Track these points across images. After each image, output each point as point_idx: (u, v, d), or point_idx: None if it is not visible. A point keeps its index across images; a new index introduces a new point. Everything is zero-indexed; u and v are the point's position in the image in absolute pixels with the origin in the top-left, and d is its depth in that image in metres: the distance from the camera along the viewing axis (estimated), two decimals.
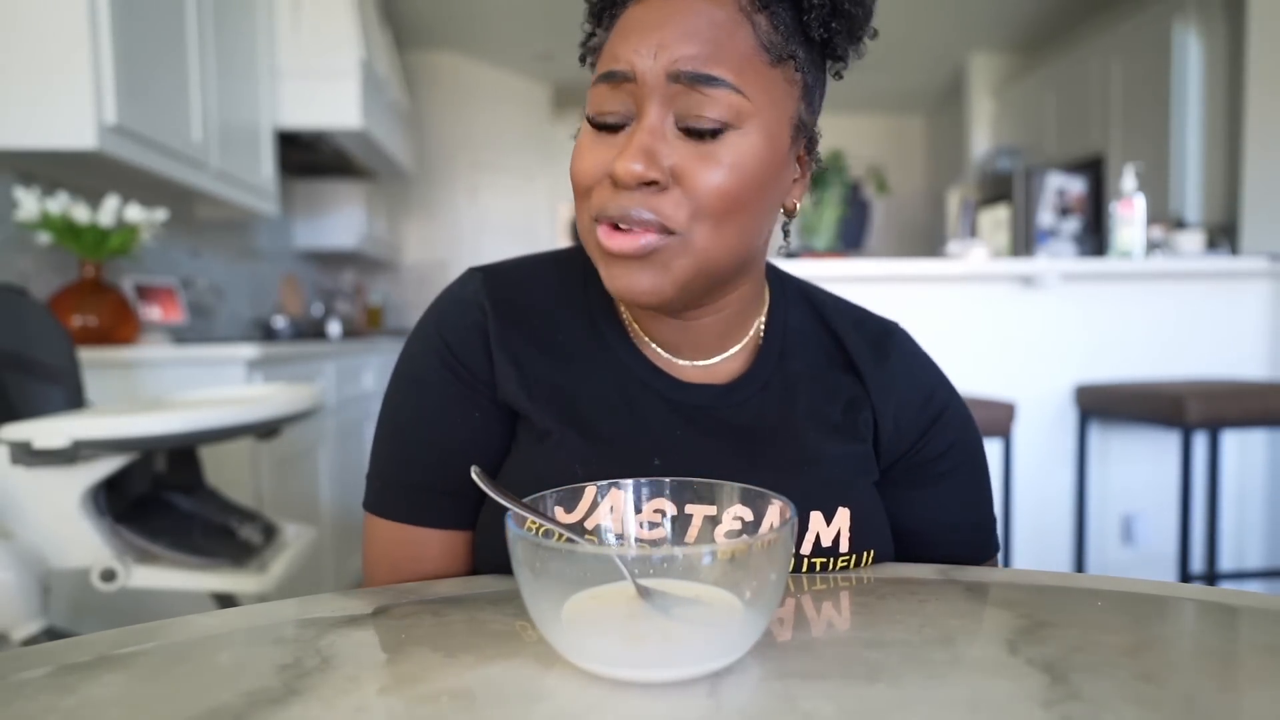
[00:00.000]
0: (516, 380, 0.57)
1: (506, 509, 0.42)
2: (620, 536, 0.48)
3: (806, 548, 0.54)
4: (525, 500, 0.44)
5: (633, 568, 0.38)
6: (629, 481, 0.49)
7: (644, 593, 0.38)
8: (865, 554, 0.56)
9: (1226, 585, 2.11)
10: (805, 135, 0.55)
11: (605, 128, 0.51)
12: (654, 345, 0.60)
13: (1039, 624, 0.42)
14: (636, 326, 0.60)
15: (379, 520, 0.59)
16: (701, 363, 0.60)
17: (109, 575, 1.13)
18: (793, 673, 0.37)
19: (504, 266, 0.63)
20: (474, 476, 0.46)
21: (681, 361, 0.60)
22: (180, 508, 1.34)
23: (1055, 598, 0.48)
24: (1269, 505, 2.26)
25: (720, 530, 0.48)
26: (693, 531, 0.48)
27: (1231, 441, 2.23)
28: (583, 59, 0.58)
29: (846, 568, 0.56)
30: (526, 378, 0.58)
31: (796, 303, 0.64)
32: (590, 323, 0.60)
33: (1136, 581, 0.50)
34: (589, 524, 0.49)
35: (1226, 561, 2.24)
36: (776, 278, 0.65)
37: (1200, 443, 2.18)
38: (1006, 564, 1.91)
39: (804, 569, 0.54)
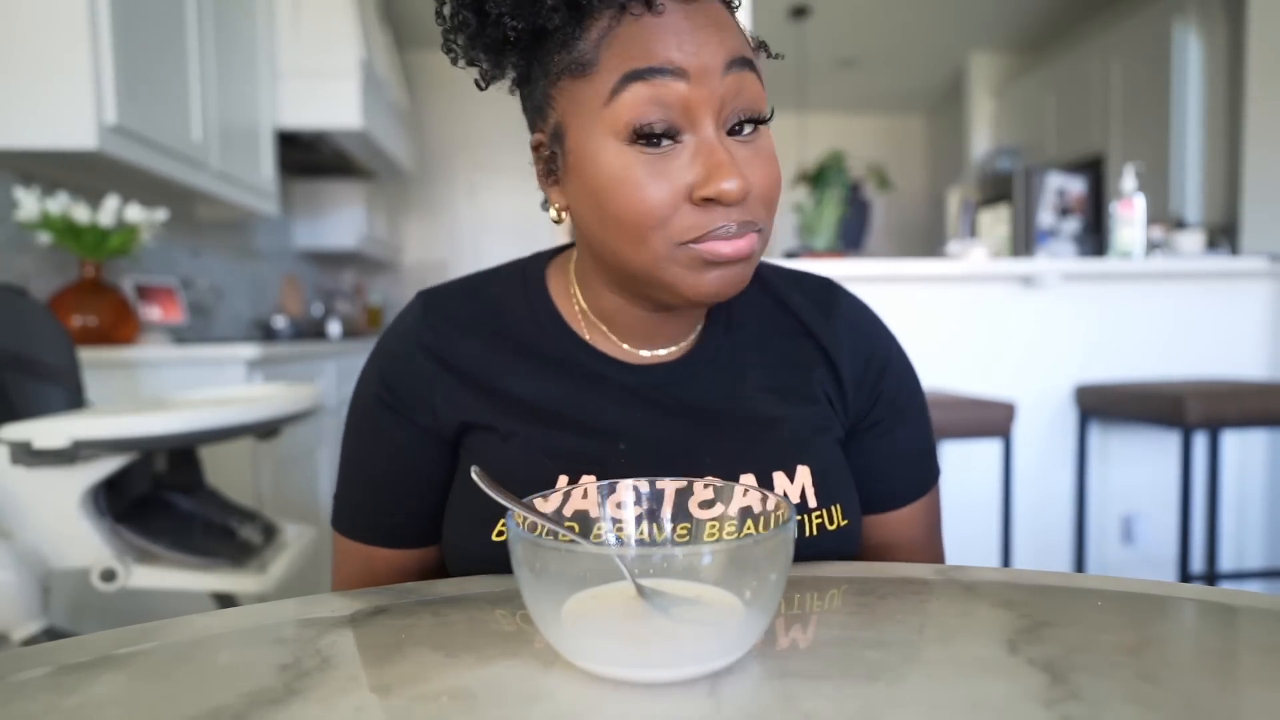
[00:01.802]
0: (472, 394, 0.58)
1: (496, 512, 0.42)
2: (620, 537, 0.48)
3: None
4: (525, 500, 0.44)
5: (633, 568, 0.38)
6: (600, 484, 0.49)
7: (644, 593, 0.38)
8: (833, 508, 0.58)
9: (1226, 585, 2.11)
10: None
11: (650, 140, 0.48)
12: (620, 342, 0.60)
13: (1039, 624, 0.42)
14: (599, 323, 0.61)
15: (338, 534, 0.63)
16: (664, 350, 0.61)
17: (109, 575, 1.13)
18: (793, 673, 0.37)
19: (449, 288, 0.63)
20: (473, 476, 0.46)
21: (642, 351, 0.61)
22: (180, 508, 1.34)
23: (1055, 598, 0.48)
24: (1269, 505, 2.26)
25: (694, 501, 0.49)
26: (666, 508, 0.49)
27: (1231, 441, 2.23)
28: (514, 75, 0.55)
29: (822, 525, 0.57)
30: (482, 389, 0.59)
31: None
32: (537, 328, 0.61)
33: (1136, 581, 0.50)
34: (565, 511, 0.50)
35: (1226, 561, 2.24)
36: None
37: (1200, 443, 2.18)
38: (1006, 564, 1.91)
39: None
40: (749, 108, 0.50)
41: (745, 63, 0.50)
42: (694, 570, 0.38)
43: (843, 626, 0.43)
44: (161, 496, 1.36)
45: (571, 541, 0.42)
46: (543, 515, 0.44)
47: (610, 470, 0.56)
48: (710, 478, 0.52)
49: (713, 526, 0.49)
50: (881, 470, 0.64)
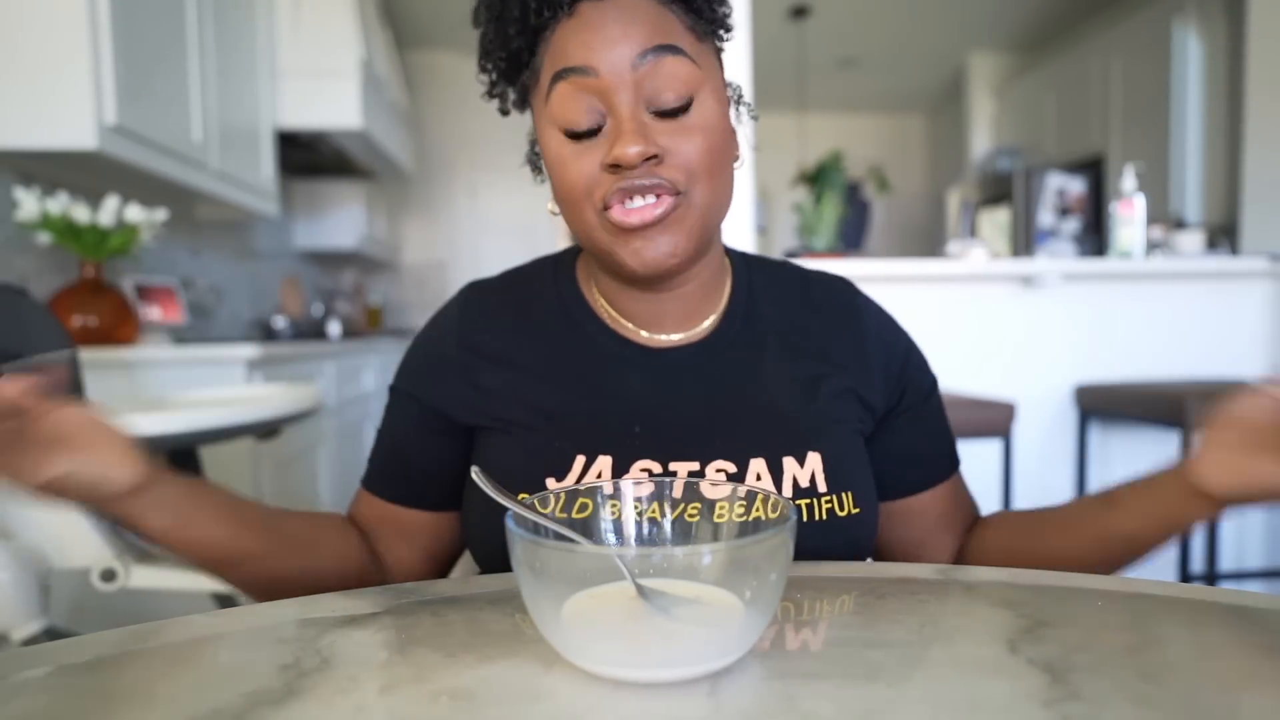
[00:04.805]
0: (496, 381, 0.62)
1: (499, 507, 0.42)
2: (620, 536, 0.48)
3: (788, 490, 0.58)
4: (525, 500, 0.44)
5: (633, 568, 0.38)
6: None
7: (644, 593, 0.38)
8: (844, 494, 0.59)
9: (1226, 585, 2.11)
10: (733, 95, 0.62)
11: (579, 136, 0.55)
12: (630, 324, 0.64)
13: (1039, 624, 0.42)
14: (612, 310, 0.64)
15: (360, 490, 0.69)
16: (677, 335, 0.64)
17: (109, 575, 1.13)
18: (793, 673, 0.37)
19: (489, 281, 0.69)
20: (474, 476, 0.46)
21: (655, 336, 0.64)
22: None
23: (1055, 598, 0.48)
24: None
25: (705, 484, 0.50)
26: (678, 487, 0.50)
27: None
28: (520, 98, 0.61)
29: (832, 511, 0.58)
30: (507, 376, 0.62)
31: (758, 270, 0.69)
32: (564, 312, 0.65)
33: (1136, 581, 0.50)
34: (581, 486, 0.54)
35: (1226, 561, 2.24)
36: (738, 253, 0.70)
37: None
38: None
39: None
40: (667, 89, 0.54)
41: (663, 49, 0.54)
42: (694, 570, 0.38)
43: (843, 626, 0.43)
44: None
45: (571, 541, 0.42)
46: (542, 515, 0.44)
47: (626, 451, 0.58)
48: (721, 462, 0.56)
49: (722, 506, 0.50)
50: (923, 448, 0.68)
